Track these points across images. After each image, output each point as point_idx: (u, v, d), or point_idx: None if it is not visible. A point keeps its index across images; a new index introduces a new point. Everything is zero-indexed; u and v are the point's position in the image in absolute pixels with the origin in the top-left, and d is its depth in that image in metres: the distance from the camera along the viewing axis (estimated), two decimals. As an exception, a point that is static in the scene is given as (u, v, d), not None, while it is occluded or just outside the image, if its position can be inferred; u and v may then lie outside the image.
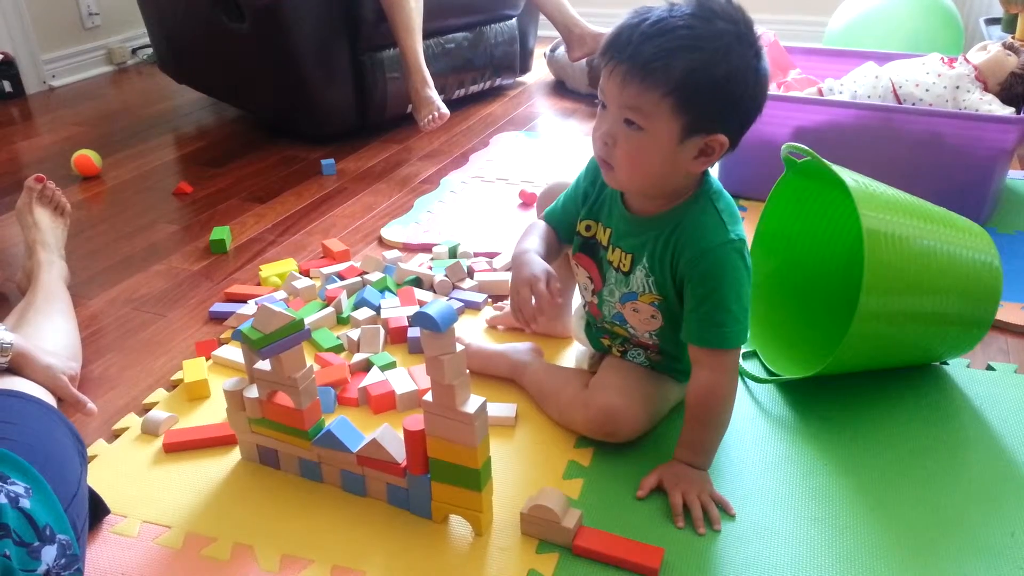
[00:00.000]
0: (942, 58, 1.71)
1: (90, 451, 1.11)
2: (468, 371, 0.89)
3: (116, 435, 1.15)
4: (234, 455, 1.10)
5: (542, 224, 1.15)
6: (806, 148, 1.17)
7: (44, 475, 0.82)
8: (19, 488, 0.79)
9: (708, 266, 0.96)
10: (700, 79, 0.87)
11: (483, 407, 0.89)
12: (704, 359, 0.99)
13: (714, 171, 1.99)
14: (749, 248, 0.99)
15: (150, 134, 2.45)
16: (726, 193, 1.02)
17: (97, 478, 1.04)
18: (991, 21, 2.41)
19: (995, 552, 0.92)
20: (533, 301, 1.00)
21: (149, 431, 1.14)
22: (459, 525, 0.97)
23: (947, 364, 1.25)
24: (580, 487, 1.02)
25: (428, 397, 0.90)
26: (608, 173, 0.98)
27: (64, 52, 3.01)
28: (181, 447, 1.10)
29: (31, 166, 2.22)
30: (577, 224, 1.11)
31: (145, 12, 2.55)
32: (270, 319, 0.94)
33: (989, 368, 1.24)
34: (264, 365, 0.99)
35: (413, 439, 0.93)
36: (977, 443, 1.10)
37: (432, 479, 0.95)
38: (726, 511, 0.97)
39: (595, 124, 0.97)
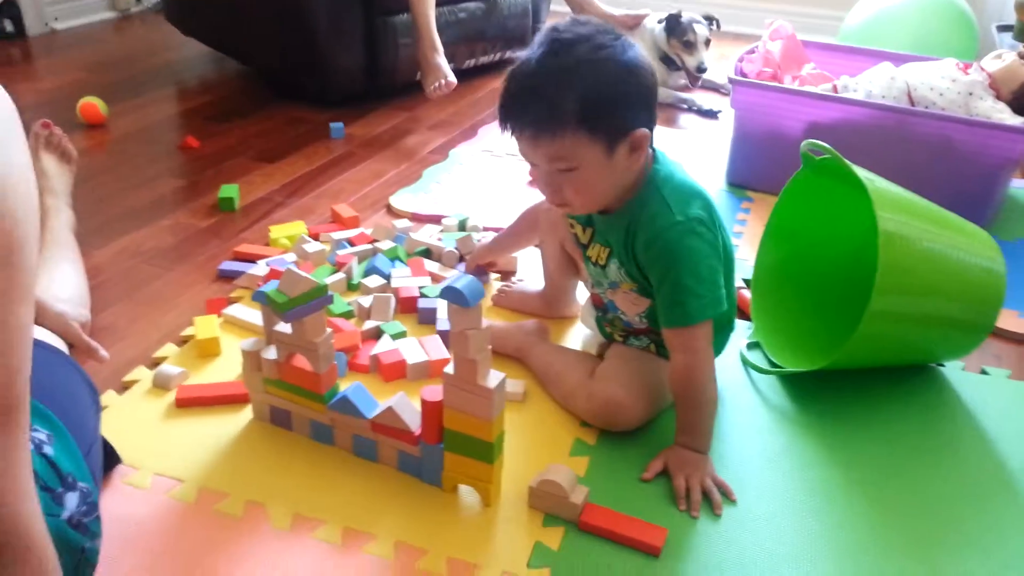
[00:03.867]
0: (957, 64, 1.73)
1: (102, 402, 1.11)
2: (490, 347, 0.91)
3: (126, 387, 1.16)
4: (245, 414, 1.11)
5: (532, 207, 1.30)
6: (827, 146, 1.18)
7: (64, 423, 0.83)
8: (42, 435, 0.79)
9: (658, 250, 1.00)
10: (591, 103, 0.93)
11: (503, 382, 0.91)
12: (675, 341, 1.03)
13: (720, 163, 2.02)
14: (712, 224, 1.03)
15: (154, 85, 2.43)
16: (678, 174, 1.05)
17: (108, 428, 1.05)
18: (1003, 28, 2.43)
19: (984, 547, 0.95)
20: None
21: (161, 385, 1.15)
22: (468, 495, 0.99)
23: (943, 366, 1.28)
24: (586, 465, 1.05)
25: (449, 369, 0.92)
26: (568, 209, 1.04)
27: (67, -6, 2.96)
28: (193, 403, 1.11)
29: (34, 110, 2.18)
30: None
31: (155, -41, 2.51)
32: (296, 283, 0.95)
33: (983, 372, 1.28)
34: (284, 328, 1.00)
35: (430, 409, 0.95)
36: (970, 443, 1.13)
37: (445, 449, 0.97)
38: (728, 496, 1.00)
39: (533, 178, 1.05)
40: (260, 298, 1.00)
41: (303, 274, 0.96)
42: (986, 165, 1.63)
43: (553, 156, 0.96)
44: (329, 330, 1.00)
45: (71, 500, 0.77)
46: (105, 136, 2.05)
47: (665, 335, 1.04)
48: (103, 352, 1.11)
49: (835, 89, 1.81)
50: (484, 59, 2.60)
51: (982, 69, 1.71)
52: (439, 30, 2.23)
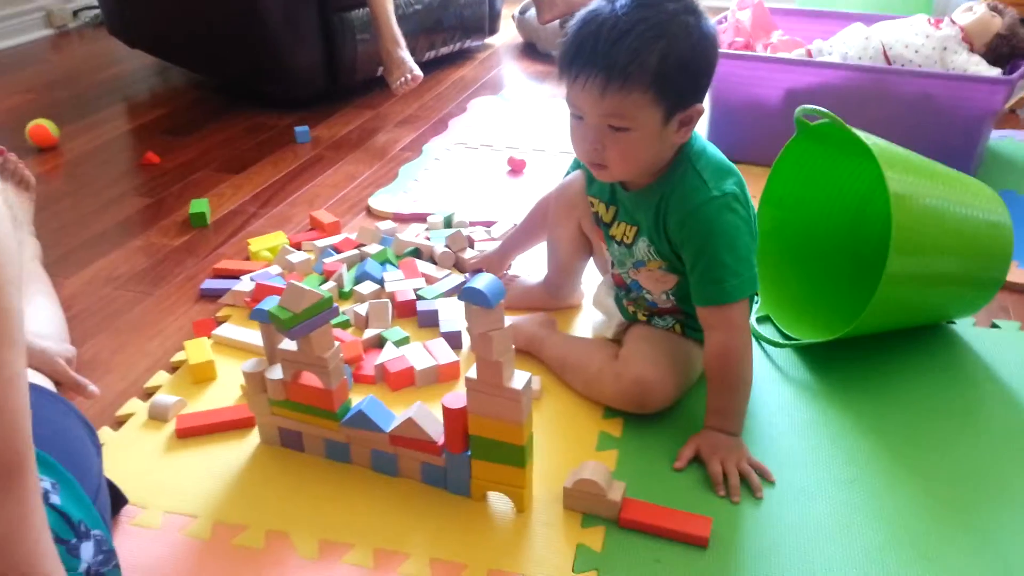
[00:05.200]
0: (929, 19, 1.72)
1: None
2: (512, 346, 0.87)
3: (120, 422, 1.09)
4: (252, 439, 1.05)
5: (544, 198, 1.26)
6: (824, 110, 1.16)
7: (68, 468, 0.77)
8: (46, 484, 0.74)
9: (695, 226, 0.97)
10: (671, 65, 0.89)
11: (529, 382, 0.87)
12: (712, 319, 0.99)
13: (702, 133, 2.00)
14: (752, 204, 1.01)
15: (102, 102, 2.32)
16: (710, 150, 1.02)
17: (108, 468, 0.97)
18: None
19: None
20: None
21: (157, 416, 1.08)
22: (499, 502, 0.95)
23: (954, 323, 1.27)
24: (615, 459, 1.01)
25: (471, 374, 0.87)
26: (600, 173, 0.99)
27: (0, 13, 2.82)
28: (195, 432, 1.05)
29: (-22, 137, 2.08)
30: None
31: (92, -30, 2.40)
32: (300, 298, 0.90)
33: (994, 326, 1.27)
34: (288, 345, 0.95)
35: (454, 417, 0.90)
36: (992, 399, 1.12)
37: (473, 457, 0.92)
38: (765, 477, 0.98)
39: (573, 133, 0.98)
40: (260, 316, 0.94)
41: (306, 287, 0.90)
42: (966, 118, 1.62)
43: (612, 111, 0.91)
44: (337, 343, 0.95)
45: (87, 551, 0.72)
46: (59, 159, 1.95)
47: (701, 314, 1.01)
48: (92, 387, 1.05)
49: (809, 54, 1.79)
50: (444, 49, 2.54)
51: (953, 23, 1.71)
52: (397, 22, 2.17)
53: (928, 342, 1.23)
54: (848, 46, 1.74)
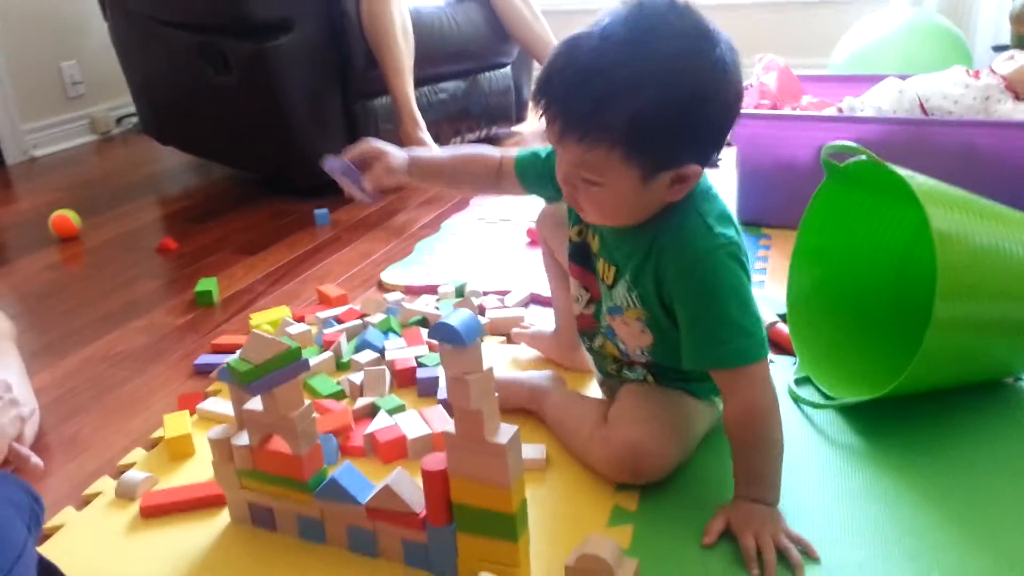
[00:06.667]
0: (967, 70, 1.63)
1: (57, 520, 0.95)
2: (496, 395, 0.75)
3: (87, 501, 0.99)
4: (222, 518, 0.94)
5: (492, 158, 1.08)
6: (856, 145, 1.06)
7: None
8: None
9: (699, 278, 0.84)
10: (648, 122, 0.76)
11: (516, 437, 0.75)
12: (727, 381, 0.86)
13: (730, 199, 1.89)
14: (745, 253, 0.88)
15: (133, 196, 2.34)
16: (715, 193, 0.90)
17: (64, 550, 0.89)
18: (999, 48, 2.35)
19: None
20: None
21: (124, 495, 0.98)
22: (491, 586, 0.81)
23: (1021, 380, 1.12)
24: (630, 534, 0.87)
25: (450, 428, 0.76)
26: (580, 213, 0.89)
27: (47, 121, 2.93)
28: (161, 511, 0.95)
29: (6, 231, 2.10)
30: (568, 229, 1.01)
31: (128, 74, 2.47)
32: (262, 348, 0.81)
33: (1069, 383, 1.11)
34: (255, 405, 0.85)
35: (434, 481, 0.78)
36: (1076, 464, 0.95)
37: (457, 530, 0.80)
38: (808, 553, 0.82)
39: (555, 165, 0.86)
40: (223, 375, 0.85)
41: (270, 336, 0.81)
42: (1013, 168, 1.50)
43: (578, 162, 0.81)
44: (308, 402, 0.85)
45: None
46: (79, 247, 1.94)
47: (715, 377, 0.87)
48: (35, 460, 0.96)
49: (840, 111, 1.70)
50: (470, 136, 2.53)
51: (994, 72, 1.61)
52: (421, 111, 2.17)
53: (992, 399, 1.07)
54: (881, 100, 1.64)
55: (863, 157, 1.07)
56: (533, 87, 0.83)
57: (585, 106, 0.77)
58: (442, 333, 0.71)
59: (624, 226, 0.89)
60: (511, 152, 1.07)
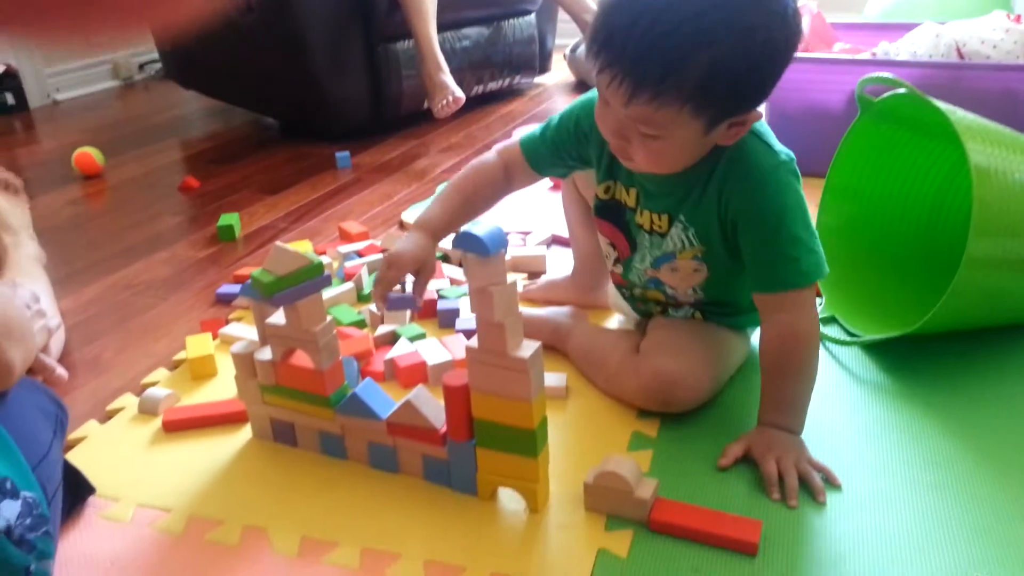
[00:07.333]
0: (1007, 15, 1.58)
1: (80, 432, 0.96)
2: (520, 309, 0.75)
3: (110, 416, 1.00)
4: (244, 434, 0.95)
5: (494, 166, 1.00)
6: (895, 78, 1.03)
7: (4, 425, 0.69)
8: None
9: (768, 196, 0.83)
10: (720, 77, 0.73)
11: (538, 352, 0.75)
12: (778, 303, 0.85)
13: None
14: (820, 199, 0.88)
15: (156, 138, 2.34)
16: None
17: (86, 460, 0.89)
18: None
19: None
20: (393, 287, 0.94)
21: (147, 410, 0.99)
22: (510, 501, 0.81)
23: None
24: (649, 459, 0.87)
25: (472, 342, 0.75)
26: (626, 162, 0.85)
27: (68, 66, 2.92)
28: (183, 425, 0.96)
29: (29, 169, 2.11)
30: (596, 187, 0.97)
31: (151, 15, 2.46)
32: (285, 260, 0.80)
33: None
34: (278, 319, 0.85)
35: (455, 397, 0.78)
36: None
37: (478, 445, 0.80)
38: (830, 481, 0.81)
39: (598, 114, 0.82)
40: (247, 291, 0.85)
41: (293, 249, 0.81)
42: (1055, 116, 1.46)
43: (640, 118, 0.77)
44: (330, 318, 0.85)
45: (9, 509, 0.62)
46: (102, 184, 1.95)
47: (763, 300, 0.86)
48: (60, 370, 0.96)
49: (874, 56, 1.66)
50: (492, 85, 2.50)
51: (1036, 18, 1.57)
52: (444, 57, 2.14)
53: (1020, 341, 1.06)
54: (917, 45, 1.60)
55: (901, 90, 1.04)
56: (588, 40, 0.78)
57: (657, 69, 0.73)
58: (466, 242, 0.70)
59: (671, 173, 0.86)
60: (508, 146, 1.01)
